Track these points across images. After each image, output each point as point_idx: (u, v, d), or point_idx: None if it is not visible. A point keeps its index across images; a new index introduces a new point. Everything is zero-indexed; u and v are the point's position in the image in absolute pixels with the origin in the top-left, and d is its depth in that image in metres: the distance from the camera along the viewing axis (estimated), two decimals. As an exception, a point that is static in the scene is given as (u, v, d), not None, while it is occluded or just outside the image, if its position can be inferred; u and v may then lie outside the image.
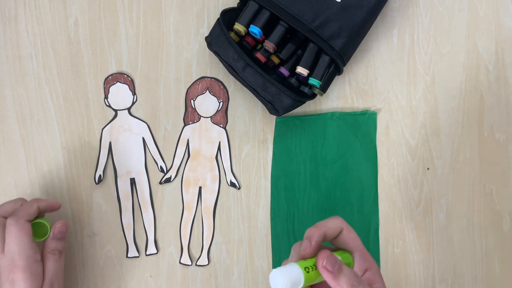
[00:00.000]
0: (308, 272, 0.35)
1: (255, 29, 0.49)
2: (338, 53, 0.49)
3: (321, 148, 0.56)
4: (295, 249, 0.39)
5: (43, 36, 0.56)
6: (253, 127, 0.56)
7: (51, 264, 0.48)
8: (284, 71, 0.52)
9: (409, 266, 0.56)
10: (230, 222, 0.56)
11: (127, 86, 0.56)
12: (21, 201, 0.50)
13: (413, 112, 0.56)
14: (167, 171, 0.56)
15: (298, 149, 0.56)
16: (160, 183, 0.56)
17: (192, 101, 0.56)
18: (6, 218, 0.47)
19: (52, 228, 0.49)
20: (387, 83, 0.56)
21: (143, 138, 0.56)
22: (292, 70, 0.52)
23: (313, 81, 0.50)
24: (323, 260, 0.36)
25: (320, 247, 0.39)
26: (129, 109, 0.56)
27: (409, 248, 0.56)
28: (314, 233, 0.38)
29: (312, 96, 0.52)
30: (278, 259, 0.56)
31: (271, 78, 0.49)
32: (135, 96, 0.56)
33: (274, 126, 0.56)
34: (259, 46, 0.53)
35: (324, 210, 0.56)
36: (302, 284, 0.35)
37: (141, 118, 0.56)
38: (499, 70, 0.55)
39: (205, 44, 0.54)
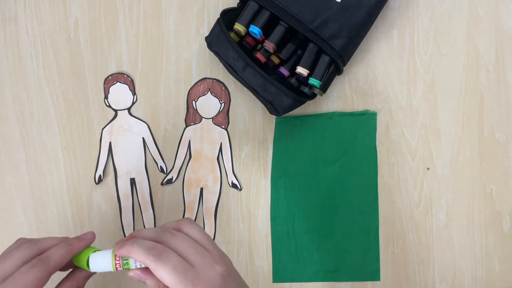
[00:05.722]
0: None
1: (255, 29, 0.49)
2: (338, 53, 0.49)
3: (321, 148, 0.56)
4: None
5: (43, 36, 0.56)
6: (253, 127, 0.56)
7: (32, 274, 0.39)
8: (284, 71, 0.52)
9: (409, 266, 0.56)
10: (230, 222, 0.56)
11: (127, 86, 0.56)
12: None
13: (413, 112, 0.56)
14: (169, 172, 0.56)
15: (298, 149, 0.56)
16: (162, 184, 0.56)
17: (193, 102, 0.56)
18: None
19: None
20: (387, 83, 0.56)
21: (143, 138, 0.56)
22: (292, 70, 0.52)
23: (313, 81, 0.50)
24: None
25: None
26: (129, 109, 0.56)
27: (409, 248, 0.56)
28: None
29: (312, 96, 0.52)
30: (278, 259, 0.56)
31: (271, 78, 0.49)
32: (135, 96, 0.56)
33: (274, 126, 0.56)
34: (259, 46, 0.53)
35: (324, 210, 0.56)
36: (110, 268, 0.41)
37: (141, 118, 0.56)
38: (499, 70, 0.55)
39: (205, 44, 0.54)
